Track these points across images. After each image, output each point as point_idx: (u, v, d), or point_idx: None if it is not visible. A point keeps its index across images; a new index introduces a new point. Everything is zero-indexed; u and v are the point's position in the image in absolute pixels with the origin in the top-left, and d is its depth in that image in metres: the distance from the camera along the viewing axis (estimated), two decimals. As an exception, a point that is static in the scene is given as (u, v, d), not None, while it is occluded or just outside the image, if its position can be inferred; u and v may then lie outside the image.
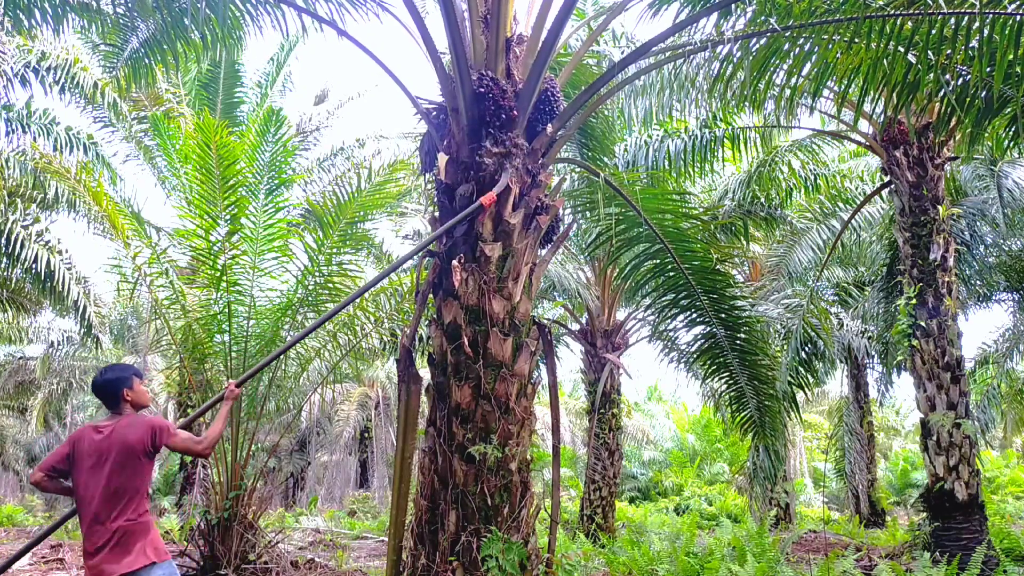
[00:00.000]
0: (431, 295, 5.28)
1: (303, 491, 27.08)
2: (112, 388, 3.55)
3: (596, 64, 8.11)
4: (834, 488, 24.00)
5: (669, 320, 7.33)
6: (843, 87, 5.28)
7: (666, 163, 9.49)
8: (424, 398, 5.17)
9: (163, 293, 7.91)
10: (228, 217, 7.01)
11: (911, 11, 4.46)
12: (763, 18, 4.92)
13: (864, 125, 9.26)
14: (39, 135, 11.64)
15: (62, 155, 11.48)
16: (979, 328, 45.15)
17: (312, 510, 19.95)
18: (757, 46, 5.17)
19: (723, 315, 6.92)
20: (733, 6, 5.35)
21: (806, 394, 12.62)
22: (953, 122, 7.47)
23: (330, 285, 7.83)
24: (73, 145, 11.92)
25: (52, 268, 11.06)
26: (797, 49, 5.08)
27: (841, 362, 15.26)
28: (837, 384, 22.34)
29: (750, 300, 7.65)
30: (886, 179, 8.90)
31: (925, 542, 7.98)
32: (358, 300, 8.37)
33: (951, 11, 4.39)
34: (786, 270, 12.72)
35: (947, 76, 4.92)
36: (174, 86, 13.16)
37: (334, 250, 7.60)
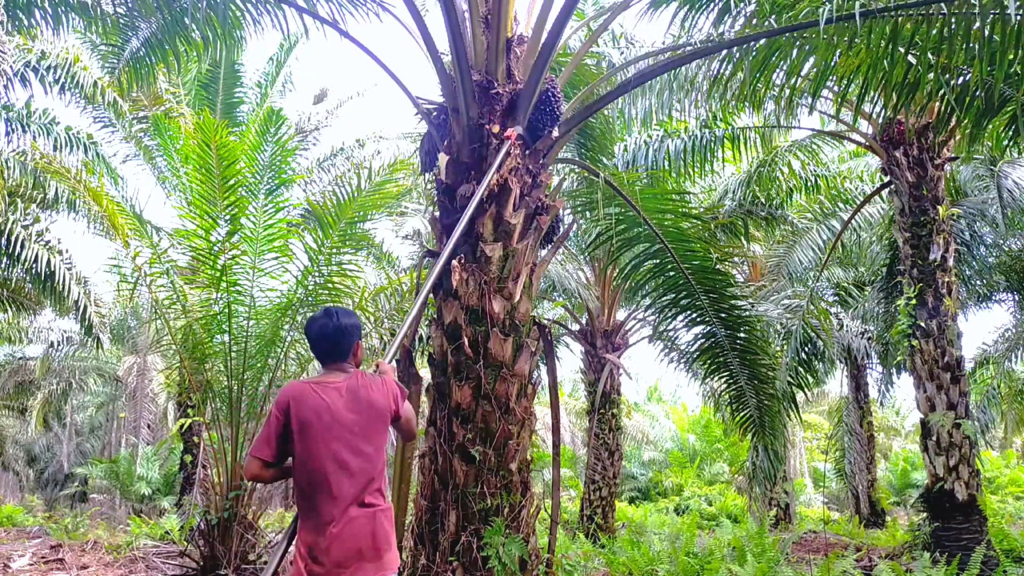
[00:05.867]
0: (431, 295, 5.28)
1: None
2: (349, 337, 2.92)
3: (596, 65, 8.10)
4: (834, 488, 24.02)
5: (669, 320, 7.32)
6: (843, 87, 5.28)
7: (666, 163, 9.49)
8: (424, 398, 5.17)
9: (163, 293, 7.91)
10: (228, 217, 7.01)
11: (911, 11, 4.46)
12: (763, 18, 4.92)
13: (864, 125, 9.27)
14: (39, 135, 11.63)
15: (62, 155, 11.48)
16: (979, 328, 45.21)
17: (312, 510, 19.89)
18: (757, 46, 5.17)
19: (723, 315, 6.92)
20: (732, 7, 5.35)
21: (806, 394, 12.63)
22: (953, 122, 7.47)
23: (330, 285, 7.83)
24: (73, 145, 11.91)
25: (52, 268, 11.07)
26: (796, 49, 5.08)
27: (841, 362, 15.27)
28: (837, 384, 22.32)
29: (750, 300, 7.65)
30: (886, 179, 8.90)
31: (925, 542, 7.98)
32: (358, 300, 8.38)
33: (951, 11, 4.39)
34: (786, 270, 12.73)
35: (947, 76, 4.92)
36: (174, 86, 13.15)
37: (334, 250, 7.59)
